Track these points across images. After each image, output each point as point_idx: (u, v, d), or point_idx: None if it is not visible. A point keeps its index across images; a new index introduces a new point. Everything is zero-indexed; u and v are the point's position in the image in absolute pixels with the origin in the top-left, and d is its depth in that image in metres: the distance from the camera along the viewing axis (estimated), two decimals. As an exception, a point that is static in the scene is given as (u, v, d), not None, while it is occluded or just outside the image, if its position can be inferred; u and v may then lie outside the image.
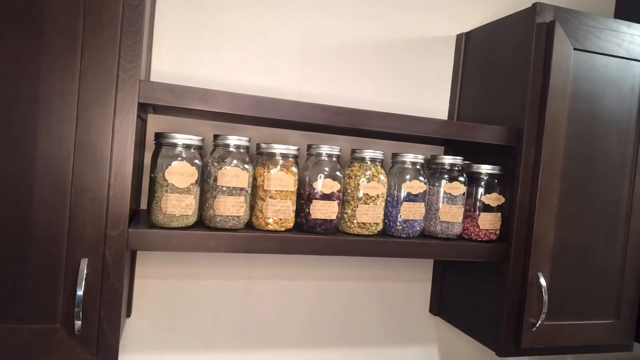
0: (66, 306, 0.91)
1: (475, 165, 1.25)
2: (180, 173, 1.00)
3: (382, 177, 1.15)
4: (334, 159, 1.14)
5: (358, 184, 1.13)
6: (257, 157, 1.11)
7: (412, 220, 1.17)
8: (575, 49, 1.19)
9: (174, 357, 1.32)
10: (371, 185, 1.13)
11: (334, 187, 1.11)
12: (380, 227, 1.16)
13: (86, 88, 0.90)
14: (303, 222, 1.11)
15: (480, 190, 1.24)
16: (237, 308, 1.36)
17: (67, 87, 0.89)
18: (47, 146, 0.89)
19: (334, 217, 1.11)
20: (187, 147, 1.02)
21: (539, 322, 1.18)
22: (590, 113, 1.22)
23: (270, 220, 1.07)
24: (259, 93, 1.21)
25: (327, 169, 1.12)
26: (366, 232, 1.14)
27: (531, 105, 1.19)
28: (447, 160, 1.23)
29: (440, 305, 1.50)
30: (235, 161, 1.04)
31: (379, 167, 1.16)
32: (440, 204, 1.21)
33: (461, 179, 1.22)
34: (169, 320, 1.31)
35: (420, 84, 1.46)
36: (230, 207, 1.03)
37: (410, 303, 1.51)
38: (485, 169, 1.24)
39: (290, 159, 1.10)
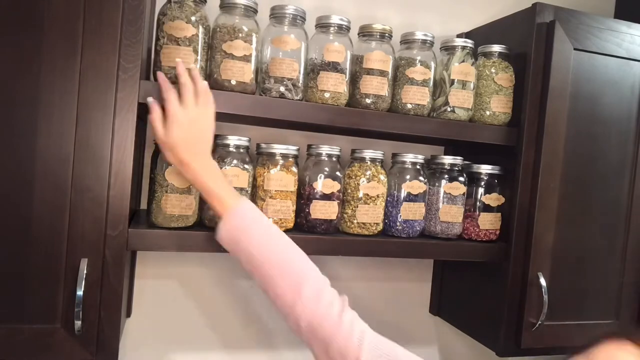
0: (66, 306, 0.91)
1: (475, 165, 1.25)
2: (180, 173, 0.99)
3: (382, 177, 1.15)
4: (334, 159, 1.14)
5: (358, 184, 1.13)
6: (257, 157, 1.11)
7: (412, 220, 1.17)
8: (575, 49, 1.19)
9: (174, 357, 1.32)
10: (371, 185, 1.13)
11: (334, 187, 1.11)
12: (380, 227, 1.16)
13: (86, 88, 0.90)
14: (303, 222, 1.11)
15: (480, 190, 1.24)
16: (237, 308, 1.36)
17: (67, 87, 0.89)
18: (47, 146, 0.89)
19: (334, 217, 1.11)
20: (187, 147, 1.02)
21: (539, 322, 1.18)
22: (590, 113, 1.22)
23: (270, 220, 1.07)
24: (259, 93, 1.21)
25: (327, 169, 1.12)
26: (366, 232, 1.14)
27: (531, 105, 1.19)
28: (447, 160, 1.23)
29: (440, 305, 1.50)
30: (235, 161, 1.04)
31: (379, 167, 1.16)
32: (440, 204, 1.21)
33: (461, 179, 1.22)
34: (169, 320, 1.31)
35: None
36: (230, 207, 1.03)
37: (410, 303, 1.51)
38: (485, 169, 1.24)
39: (290, 159, 1.10)
